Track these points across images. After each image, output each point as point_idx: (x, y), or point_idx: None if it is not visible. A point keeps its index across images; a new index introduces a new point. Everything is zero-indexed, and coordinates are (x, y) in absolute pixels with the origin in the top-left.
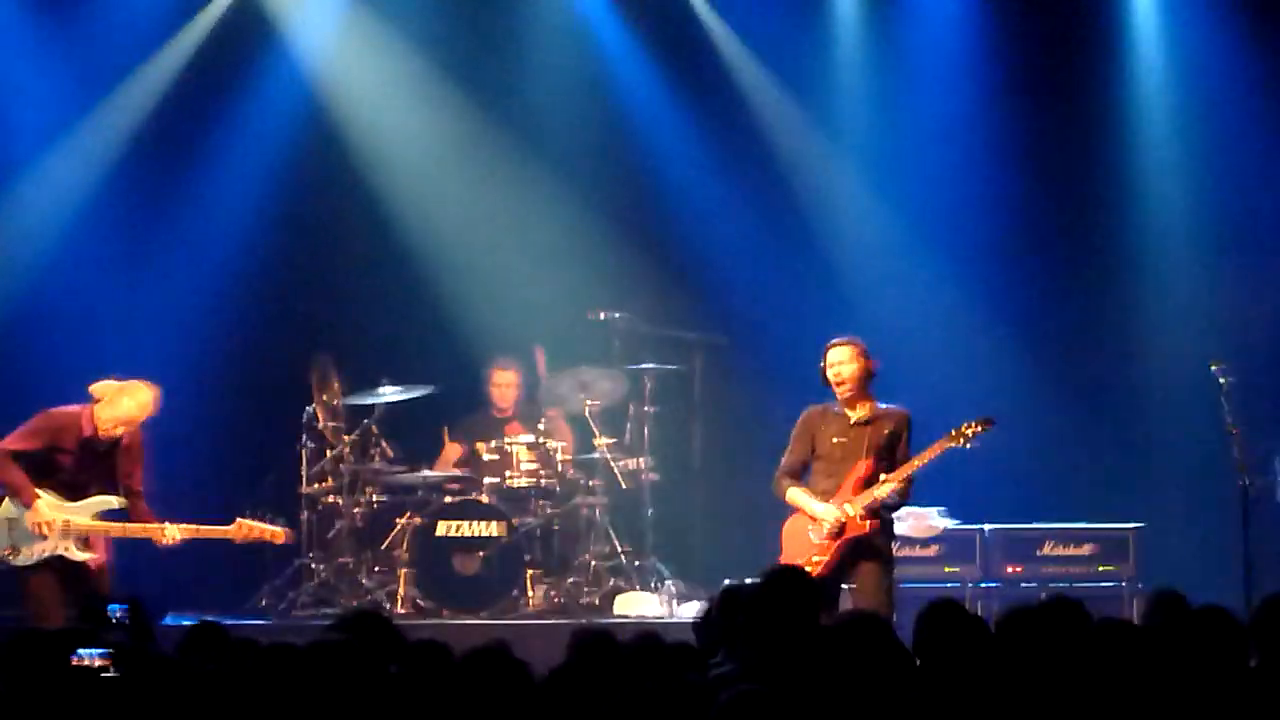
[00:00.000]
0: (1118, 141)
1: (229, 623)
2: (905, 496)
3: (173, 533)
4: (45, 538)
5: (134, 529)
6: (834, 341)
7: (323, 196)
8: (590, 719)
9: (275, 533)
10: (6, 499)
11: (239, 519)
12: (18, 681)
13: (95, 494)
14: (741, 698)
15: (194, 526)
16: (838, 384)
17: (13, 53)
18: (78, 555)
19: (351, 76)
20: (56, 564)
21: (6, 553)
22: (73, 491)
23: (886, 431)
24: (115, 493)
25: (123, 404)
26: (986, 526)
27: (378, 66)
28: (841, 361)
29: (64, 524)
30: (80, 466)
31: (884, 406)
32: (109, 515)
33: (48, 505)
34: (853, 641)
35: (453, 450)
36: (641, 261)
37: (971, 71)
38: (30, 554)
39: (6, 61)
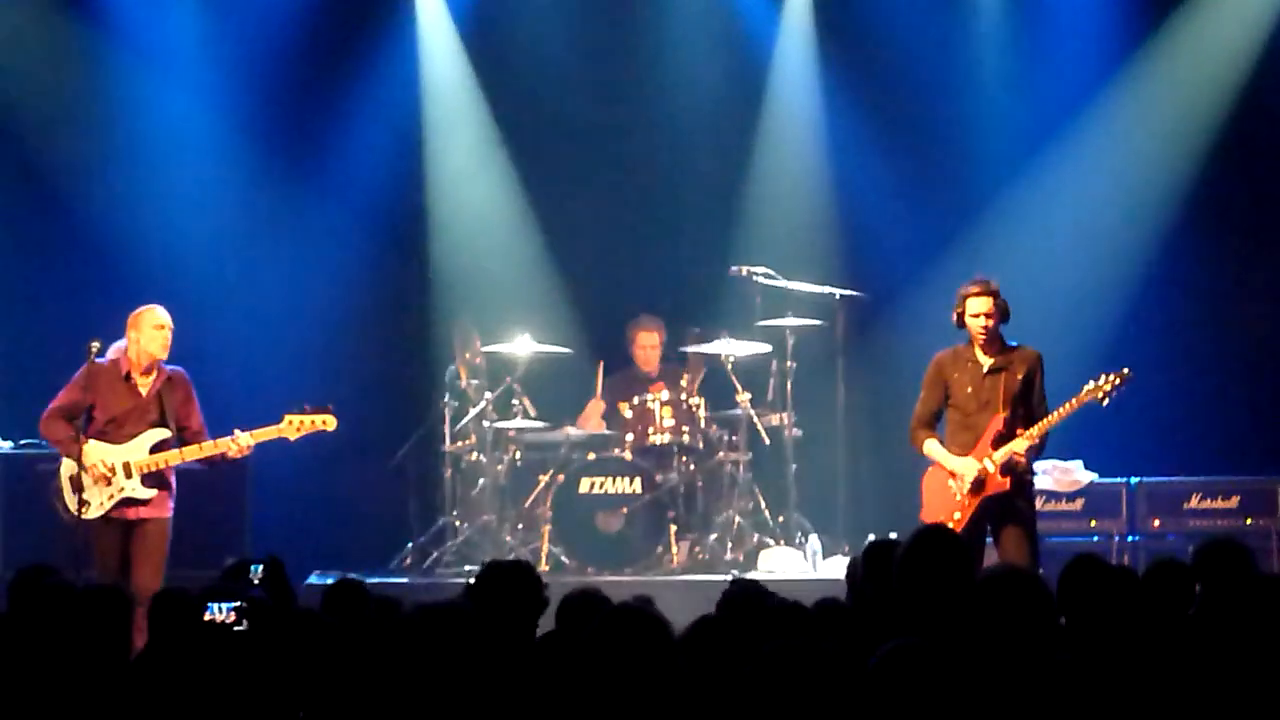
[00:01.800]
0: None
1: (372, 581)
2: (1041, 449)
3: (244, 440)
4: (108, 482)
5: (191, 452)
6: (973, 287)
7: (464, 156)
8: (737, 673)
9: (325, 419)
10: (64, 459)
11: (287, 415)
12: (157, 638)
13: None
14: (899, 651)
15: (254, 431)
16: (981, 329)
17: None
18: (144, 493)
19: (492, 38)
20: (120, 525)
21: (81, 509)
22: (127, 438)
23: (1020, 376)
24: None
25: (136, 335)
26: (1132, 479)
27: (519, 29)
28: (986, 312)
29: (124, 465)
30: (129, 412)
31: (1014, 347)
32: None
33: (97, 449)
34: (1004, 596)
35: (595, 407)
36: (783, 217)
37: (1123, 19)
38: (100, 503)
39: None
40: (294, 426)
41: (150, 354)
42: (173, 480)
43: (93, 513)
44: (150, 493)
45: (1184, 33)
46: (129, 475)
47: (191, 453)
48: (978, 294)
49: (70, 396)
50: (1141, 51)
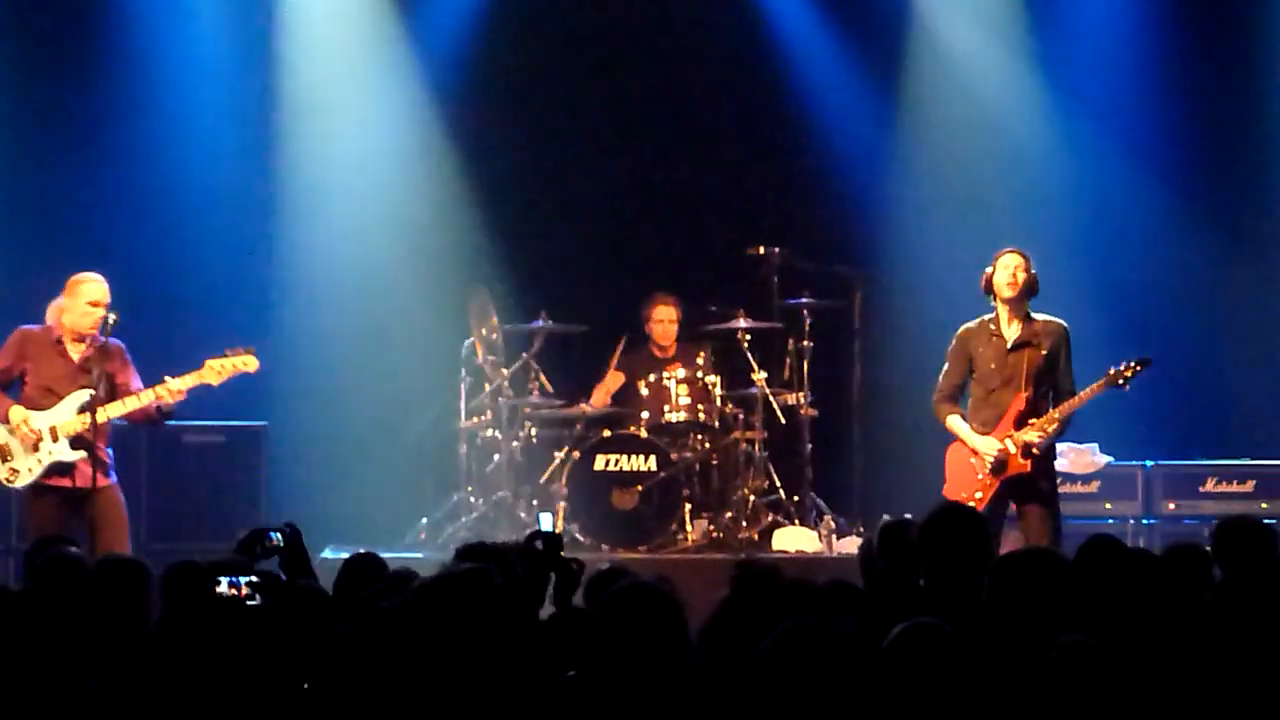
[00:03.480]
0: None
1: (388, 557)
2: (1064, 430)
3: (175, 384)
4: (36, 447)
5: (116, 408)
6: (1005, 249)
7: (483, 130)
8: (749, 653)
9: (246, 361)
10: None
11: (207, 360)
12: (173, 610)
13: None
14: (916, 630)
15: (180, 379)
16: (1009, 282)
17: None
18: (70, 455)
19: (510, 12)
20: (58, 494)
21: (9, 476)
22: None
23: (1044, 352)
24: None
25: (69, 304)
26: (1148, 462)
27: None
28: (1019, 267)
29: (50, 429)
30: (60, 378)
31: (1040, 319)
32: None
33: (19, 413)
34: (1024, 577)
35: (614, 379)
36: (800, 197)
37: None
38: (30, 469)
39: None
40: (215, 371)
41: (78, 330)
42: (107, 449)
43: (22, 481)
44: (78, 455)
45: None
46: (55, 439)
47: (116, 408)
48: (1010, 251)
49: (1, 362)
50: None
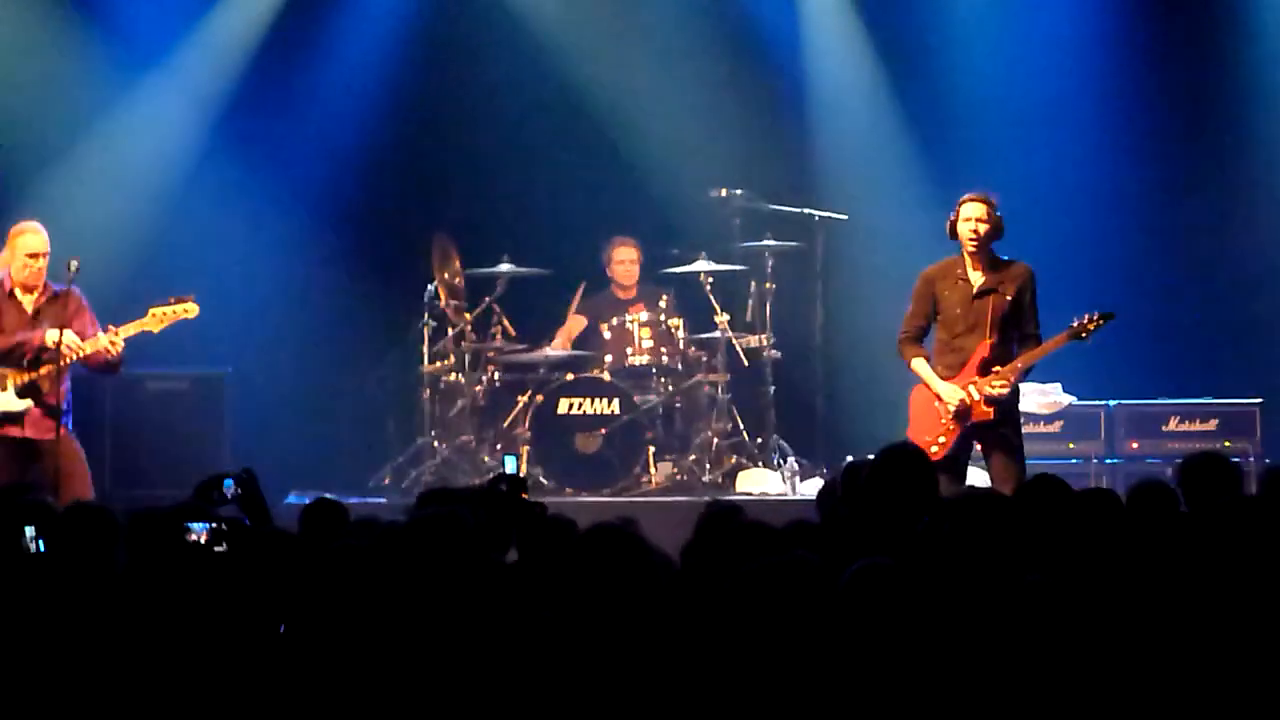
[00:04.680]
0: (1241, 30)
1: (351, 502)
2: (1027, 373)
3: (120, 332)
4: None
5: (54, 355)
6: (969, 195)
7: (446, 73)
8: (713, 594)
9: (187, 308)
10: None
11: (150, 308)
12: (137, 557)
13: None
14: (868, 570)
15: (123, 326)
16: (971, 233)
17: None
18: (17, 405)
19: None
20: (10, 445)
21: None
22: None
23: (1009, 297)
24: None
25: (8, 252)
26: (1110, 402)
27: None
28: (979, 218)
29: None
30: (14, 329)
31: (1005, 263)
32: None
33: None
34: (971, 517)
35: (576, 323)
36: (762, 139)
37: None
38: None
39: None
40: (156, 319)
41: (21, 282)
42: (63, 396)
43: None
44: (24, 404)
45: None
46: (3, 389)
47: (66, 356)
48: (973, 199)
49: None
50: None
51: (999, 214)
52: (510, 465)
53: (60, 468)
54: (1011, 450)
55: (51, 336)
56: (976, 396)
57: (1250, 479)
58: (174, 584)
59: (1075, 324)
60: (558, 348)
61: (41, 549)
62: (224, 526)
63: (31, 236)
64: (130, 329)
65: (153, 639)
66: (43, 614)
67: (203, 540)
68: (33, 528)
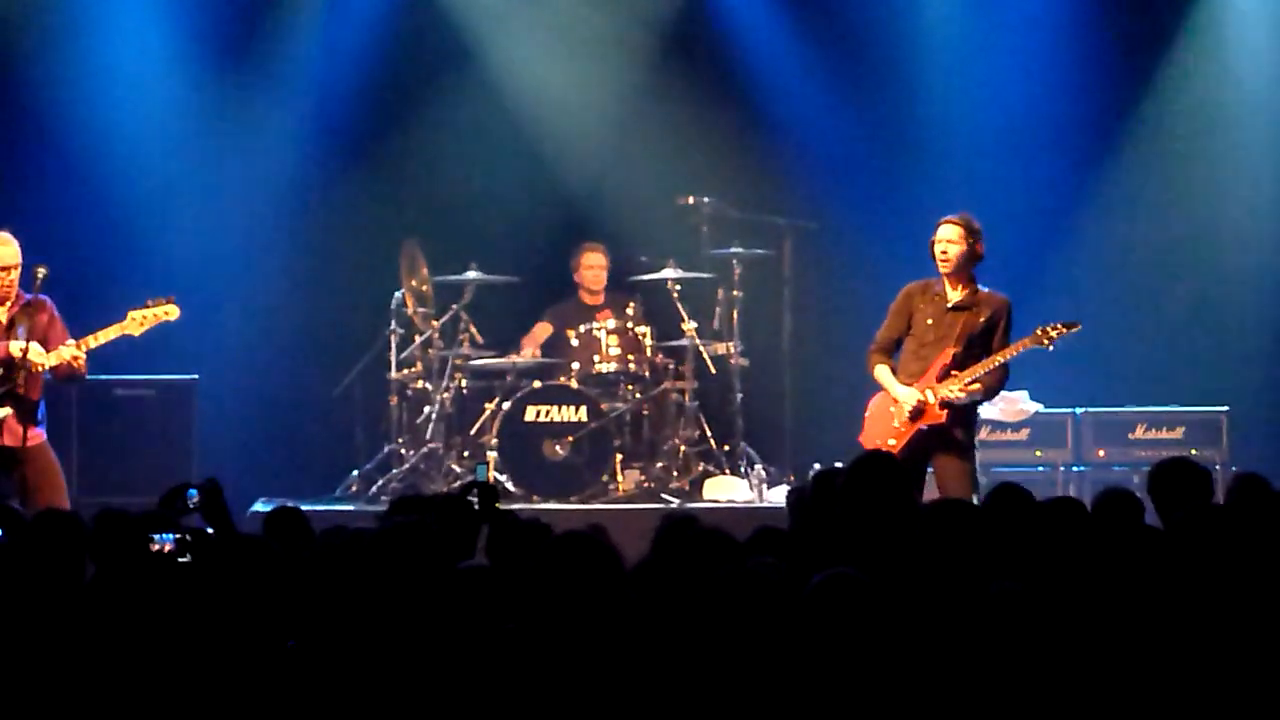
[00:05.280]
0: (1208, 34)
1: (319, 509)
2: (992, 393)
3: (99, 336)
4: None
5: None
6: (946, 218)
7: (415, 79)
8: (677, 602)
9: (167, 310)
10: None
11: (130, 312)
12: (104, 565)
13: None
14: (833, 580)
15: (94, 334)
16: (941, 259)
17: None
18: None
19: None
20: None
21: None
22: None
23: (983, 319)
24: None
25: None
26: (1078, 410)
27: None
28: (950, 240)
29: None
30: None
31: (984, 291)
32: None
33: None
34: (940, 526)
35: (542, 330)
36: (730, 147)
37: None
38: None
39: None
40: (137, 321)
41: None
42: (38, 404)
43: None
44: (2, 411)
45: None
46: None
47: (35, 360)
48: (947, 221)
49: None
50: None
51: (977, 236)
52: (482, 474)
53: (33, 477)
54: (962, 454)
55: (16, 347)
56: (932, 399)
57: (1218, 485)
58: (140, 593)
59: (1039, 331)
60: (525, 356)
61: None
62: (189, 537)
63: (2, 248)
64: (110, 333)
65: (118, 648)
66: (6, 619)
67: (166, 550)
68: None
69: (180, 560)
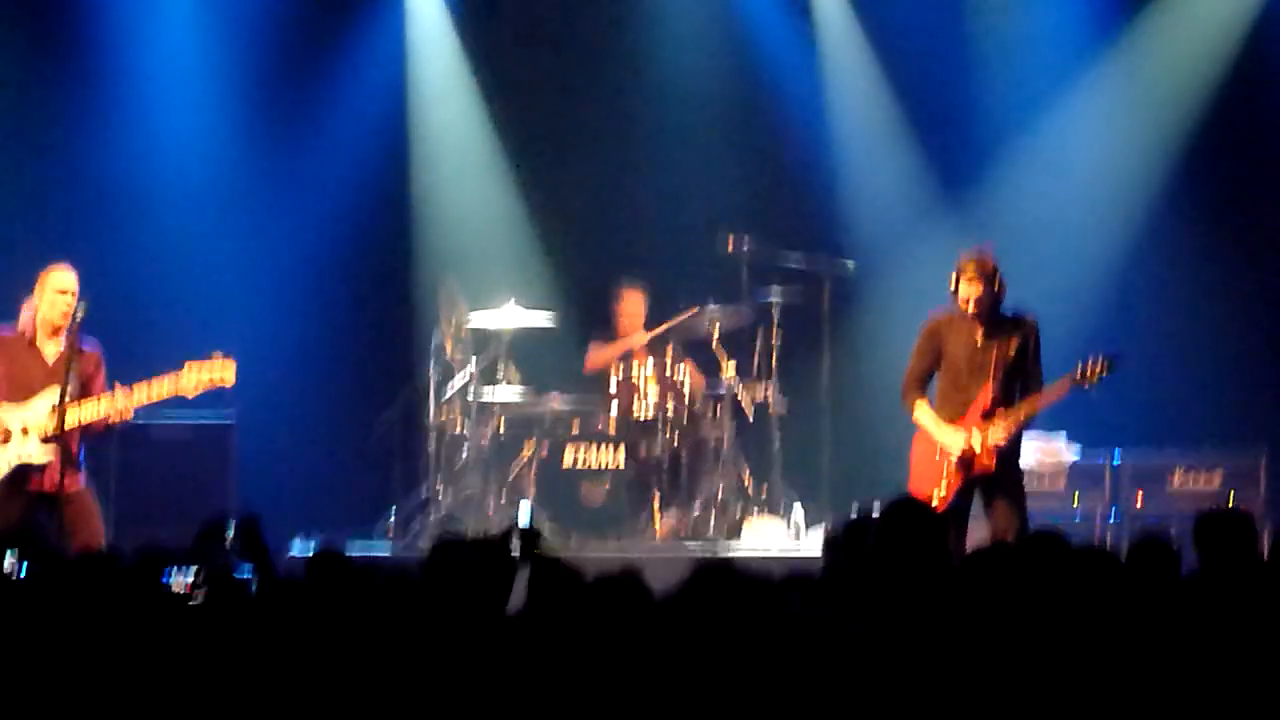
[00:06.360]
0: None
1: (355, 550)
2: (1029, 425)
3: (151, 392)
4: (5, 441)
5: (89, 410)
6: (966, 260)
7: (452, 121)
8: (710, 648)
9: (224, 376)
10: None
11: (187, 363)
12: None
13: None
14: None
15: (148, 384)
16: (973, 311)
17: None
18: (41, 455)
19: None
20: (24, 498)
21: None
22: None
23: (1014, 348)
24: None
25: (38, 290)
26: (1115, 459)
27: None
28: (975, 297)
29: (22, 427)
30: (32, 380)
31: (1010, 315)
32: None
33: None
34: (982, 574)
35: (637, 341)
36: (769, 190)
37: None
38: None
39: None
40: (192, 383)
41: (50, 321)
42: (79, 449)
43: None
44: (48, 456)
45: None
46: (26, 435)
47: (90, 409)
48: (970, 279)
49: None
50: (1131, 24)
51: (995, 275)
52: (524, 517)
53: (72, 518)
54: (1013, 497)
55: (74, 415)
56: (978, 442)
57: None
58: (149, 634)
59: (1077, 371)
60: (593, 362)
61: (23, 574)
62: (205, 577)
63: (61, 274)
64: (164, 389)
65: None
66: (31, 651)
67: (183, 589)
68: (14, 551)
69: (189, 603)
